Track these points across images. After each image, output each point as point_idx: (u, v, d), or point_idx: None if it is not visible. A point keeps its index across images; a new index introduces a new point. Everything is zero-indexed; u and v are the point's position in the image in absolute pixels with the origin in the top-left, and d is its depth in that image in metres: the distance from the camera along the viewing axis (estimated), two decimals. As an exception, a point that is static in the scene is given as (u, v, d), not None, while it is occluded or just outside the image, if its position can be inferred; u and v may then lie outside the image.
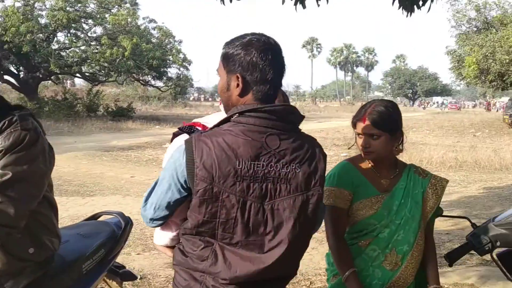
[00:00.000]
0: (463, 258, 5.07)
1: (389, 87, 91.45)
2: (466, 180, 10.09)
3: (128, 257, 4.85)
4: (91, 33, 30.10)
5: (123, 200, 7.68)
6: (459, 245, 2.28)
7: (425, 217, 2.09)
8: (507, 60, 21.82)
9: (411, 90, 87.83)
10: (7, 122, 1.81)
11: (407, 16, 5.44)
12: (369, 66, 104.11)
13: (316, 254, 5.11)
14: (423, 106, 70.96)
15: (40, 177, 1.85)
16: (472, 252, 5.12)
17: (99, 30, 30.12)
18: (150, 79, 33.79)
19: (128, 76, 30.49)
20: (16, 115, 1.83)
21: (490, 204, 7.76)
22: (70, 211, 6.77)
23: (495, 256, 2.23)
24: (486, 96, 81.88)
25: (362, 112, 2.00)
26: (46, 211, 1.91)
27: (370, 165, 2.08)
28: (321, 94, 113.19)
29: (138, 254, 5.02)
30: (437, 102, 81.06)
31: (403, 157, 8.35)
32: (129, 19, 28.06)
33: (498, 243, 2.16)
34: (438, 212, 2.26)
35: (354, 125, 2.04)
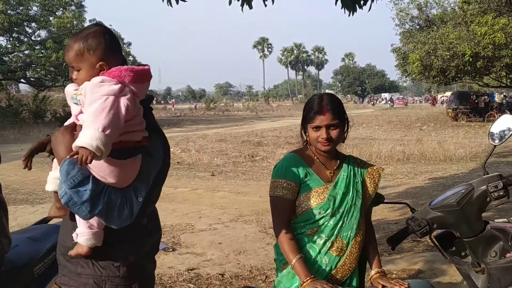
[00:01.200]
0: (410, 245, 5.33)
1: (339, 85, 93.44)
2: (413, 172, 10.51)
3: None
4: (35, 37, 29.14)
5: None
6: (400, 229, 2.42)
7: (365, 204, 2.21)
8: (448, 56, 22.82)
9: (360, 88, 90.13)
10: None
11: (349, 15, 5.64)
12: (320, 65, 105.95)
13: (271, 250, 5.19)
14: (372, 102, 72.93)
15: None
16: (419, 239, 5.38)
17: (43, 33, 29.20)
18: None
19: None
20: None
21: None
22: (19, 219, 6.56)
23: (433, 238, 2.38)
24: (431, 91, 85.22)
25: (321, 105, 2.10)
26: None
27: (315, 157, 2.18)
28: (273, 93, 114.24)
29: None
30: (385, 98, 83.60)
31: (354, 151, 8.73)
32: (75, 22, 27.30)
33: (435, 225, 2.30)
34: (379, 200, 2.39)
35: (310, 119, 2.12)
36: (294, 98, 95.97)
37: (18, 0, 27.80)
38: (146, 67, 1.65)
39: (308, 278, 1.94)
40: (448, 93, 58.59)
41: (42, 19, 28.34)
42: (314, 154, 2.19)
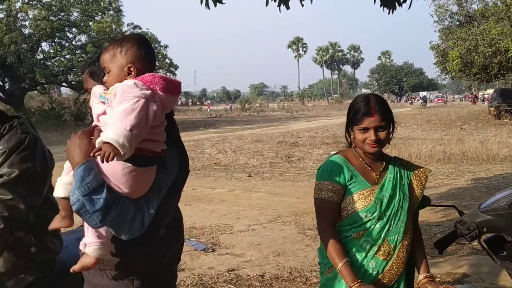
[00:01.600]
0: (454, 248, 5.18)
1: (376, 83, 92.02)
2: (454, 173, 10.23)
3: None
4: (75, 42, 30.03)
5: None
6: (449, 232, 2.36)
7: (412, 207, 2.16)
8: (490, 53, 22.13)
9: (397, 86, 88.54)
10: (7, 126, 2.06)
11: (388, 13, 5.55)
12: (355, 64, 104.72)
13: (311, 251, 5.18)
14: (410, 101, 71.49)
15: (43, 175, 2.04)
16: (464, 242, 5.24)
17: (83, 38, 30.03)
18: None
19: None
20: (15, 121, 2.04)
21: (479, 194, 7.89)
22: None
23: (482, 242, 2.31)
24: (471, 89, 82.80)
25: (369, 107, 2.07)
26: (48, 212, 1.98)
27: (360, 158, 2.15)
28: (308, 93, 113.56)
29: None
30: (424, 97, 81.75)
31: (393, 151, 8.57)
32: (113, 26, 27.99)
33: (484, 229, 2.24)
34: (426, 202, 2.34)
35: (357, 121, 2.09)
36: (329, 98, 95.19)
37: (59, 6, 28.73)
38: (177, 80, 1.67)
39: (355, 282, 1.91)
40: (490, 91, 56.74)
41: (82, 24, 29.20)
42: (359, 156, 2.16)
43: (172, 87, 1.60)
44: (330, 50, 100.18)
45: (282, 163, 12.38)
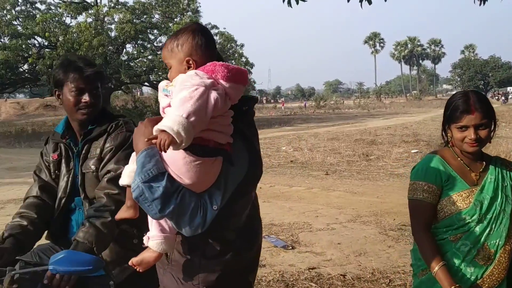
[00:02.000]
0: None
1: (459, 79, 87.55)
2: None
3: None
4: (157, 43, 31.26)
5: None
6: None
7: None
8: None
9: (482, 82, 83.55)
10: (114, 125, 2.21)
11: (480, 4, 5.26)
12: (436, 59, 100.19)
13: (393, 252, 5.05)
14: (496, 97, 67.21)
15: None
16: None
17: (164, 39, 31.21)
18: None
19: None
20: (120, 120, 2.14)
21: None
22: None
23: None
24: None
25: (468, 104, 1.98)
26: None
27: (458, 158, 2.06)
28: (385, 90, 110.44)
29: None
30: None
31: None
32: (192, 27, 28.80)
33: None
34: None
35: (455, 119, 2.00)
36: (408, 94, 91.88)
37: (142, 9, 30.11)
38: (243, 68, 1.61)
39: (454, 286, 1.84)
40: None
41: (163, 25, 30.35)
42: (457, 156, 2.06)
43: (237, 76, 1.55)
44: (409, 45, 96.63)
45: (360, 162, 12.14)
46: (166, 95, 1.58)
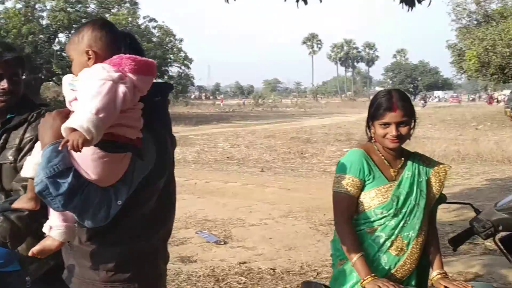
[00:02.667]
0: (466, 248, 5.16)
1: (390, 82, 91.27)
2: (468, 173, 10.15)
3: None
4: (91, 34, 30.15)
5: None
6: (463, 230, 2.36)
7: (429, 204, 2.17)
8: (508, 53, 21.85)
9: (412, 85, 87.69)
10: (35, 114, 2.09)
11: (408, 10, 5.51)
12: (370, 62, 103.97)
13: (322, 246, 5.20)
14: (423, 100, 70.88)
15: None
16: (476, 242, 5.21)
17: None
18: (152, 78, 33.87)
19: (130, 75, 30.52)
20: (43, 109, 2.05)
21: (493, 195, 7.82)
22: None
23: (497, 241, 2.30)
24: (487, 89, 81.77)
25: (391, 102, 2.07)
26: None
27: (380, 154, 2.16)
28: (322, 90, 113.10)
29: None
30: (438, 96, 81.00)
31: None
32: (129, 19, 28.14)
33: (500, 227, 2.23)
34: (442, 199, 2.34)
35: (379, 115, 2.09)
36: (343, 95, 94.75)
37: (77, -2, 28.99)
38: (150, 60, 1.60)
39: (369, 276, 1.93)
40: (506, 92, 55.97)
41: (99, 16, 29.36)
42: (379, 151, 2.16)
43: (145, 68, 1.54)
44: (345, 47, 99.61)
45: (294, 159, 12.39)
46: (72, 90, 1.53)
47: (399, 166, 2.17)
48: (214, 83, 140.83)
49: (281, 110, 48.90)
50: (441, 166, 2.24)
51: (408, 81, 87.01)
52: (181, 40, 32.05)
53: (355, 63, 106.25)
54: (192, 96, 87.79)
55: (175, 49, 31.17)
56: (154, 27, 31.60)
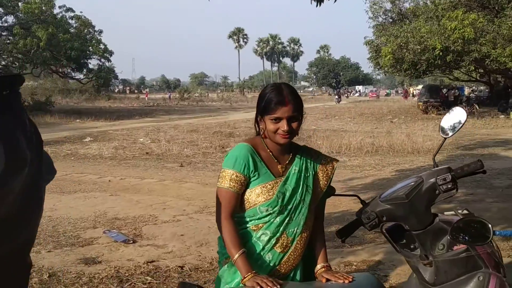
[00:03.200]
0: (372, 237, 5.35)
1: (314, 77, 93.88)
2: (380, 164, 10.61)
3: (38, 255, 4.63)
4: (1, 22, 28.20)
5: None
6: (349, 222, 2.39)
7: (315, 199, 2.17)
8: (419, 50, 23.08)
9: (334, 80, 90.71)
10: None
11: (316, 6, 5.60)
12: (295, 57, 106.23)
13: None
14: (346, 95, 73.59)
15: None
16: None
17: (10, 19, 28.29)
18: (69, 71, 32.29)
19: (45, 68, 28.89)
20: None
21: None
22: None
23: (384, 230, 2.36)
24: (404, 84, 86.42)
25: (283, 96, 2.01)
26: None
27: (268, 149, 2.11)
28: (248, 84, 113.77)
29: (48, 251, 4.81)
30: (359, 91, 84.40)
31: (324, 143, 8.69)
32: (43, 8, 26.55)
33: (384, 218, 2.28)
34: (330, 192, 2.35)
35: (270, 110, 2.02)
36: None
37: (-16, -17, 26.89)
38: None
39: (249, 273, 1.88)
40: (420, 86, 59.50)
41: (9, 4, 27.43)
42: (267, 147, 2.11)
43: None
44: (271, 42, 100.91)
45: (215, 153, 12.31)
46: None
47: (287, 161, 2.13)
48: (139, 76, 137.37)
49: (207, 104, 48.60)
50: (329, 160, 2.24)
51: (331, 76, 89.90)
52: (101, 32, 30.77)
53: (281, 58, 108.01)
54: (116, 90, 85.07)
55: (94, 41, 29.84)
56: (72, 18, 30.07)
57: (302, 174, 2.12)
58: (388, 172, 9.59)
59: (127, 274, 4.21)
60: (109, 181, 8.63)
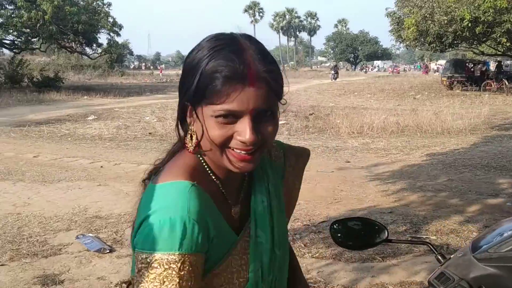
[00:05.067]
0: (408, 246, 4.28)
1: (332, 52, 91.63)
2: (408, 146, 9.46)
3: (-12, 270, 3.67)
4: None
5: (12, 187, 6.35)
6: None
7: (289, 215, 1.19)
8: (446, 21, 21.51)
9: (352, 55, 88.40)
10: None
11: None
12: (312, 31, 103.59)
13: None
14: (364, 70, 71.62)
15: None
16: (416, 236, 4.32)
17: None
18: (78, 46, 31.32)
19: (52, 42, 27.92)
20: None
21: (435, 173, 7.10)
22: None
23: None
24: (424, 59, 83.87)
25: (243, 62, 0.89)
26: None
27: (213, 178, 1.00)
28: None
29: (1, 265, 3.84)
30: (378, 66, 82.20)
31: (344, 122, 7.33)
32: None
33: (482, 290, 1.21)
34: (383, 236, 1.30)
35: (216, 95, 0.88)
36: (285, 65, 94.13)
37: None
38: None
39: None
40: (441, 61, 57.28)
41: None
42: (211, 173, 1.00)
43: None
44: (287, 16, 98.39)
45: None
46: None
47: (242, 193, 1.04)
48: (154, 52, 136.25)
49: (221, 80, 47.33)
50: (296, 155, 1.21)
51: (349, 51, 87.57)
52: (109, 5, 29.55)
53: (297, 33, 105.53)
54: (132, 66, 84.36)
55: (102, 14, 28.69)
56: (80, -10, 28.92)
57: (274, 204, 1.06)
58: (418, 156, 8.44)
59: (91, 303, 3.23)
60: (101, 167, 7.65)
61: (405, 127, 11.68)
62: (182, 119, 1.00)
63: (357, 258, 3.97)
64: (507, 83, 24.32)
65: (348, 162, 8.08)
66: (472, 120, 12.61)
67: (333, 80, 38.00)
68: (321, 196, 5.88)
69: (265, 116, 0.91)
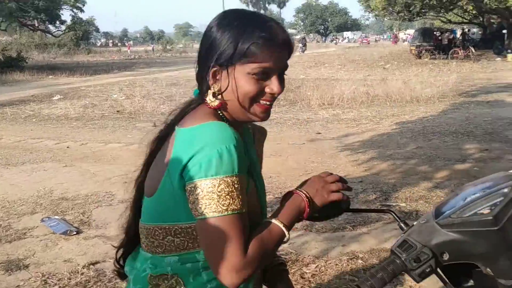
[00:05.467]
0: (379, 215, 4.31)
1: (302, 23, 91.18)
2: (378, 116, 9.51)
3: None
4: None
5: (-27, 172, 6.11)
6: (381, 264, 1.26)
7: None
8: (413, -10, 21.59)
9: (322, 26, 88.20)
10: None
11: None
12: (281, 3, 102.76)
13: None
14: (335, 41, 71.68)
15: None
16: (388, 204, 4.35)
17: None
18: (40, 23, 30.23)
19: (13, 20, 26.86)
20: None
21: (404, 141, 7.17)
22: None
23: (440, 271, 1.25)
24: (393, 29, 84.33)
25: (283, 33, 1.13)
26: None
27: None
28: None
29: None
30: (348, 37, 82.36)
31: (315, 94, 7.28)
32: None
33: (446, 256, 1.19)
34: (343, 207, 1.28)
35: (259, 55, 1.08)
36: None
37: None
38: None
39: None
40: (410, 31, 57.66)
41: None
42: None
43: None
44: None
45: (194, 110, 11.10)
46: None
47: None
48: (121, 28, 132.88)
49: (191, 55, 46.57)
50: (262, 130, 1.40)
51: (319, 23, 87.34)
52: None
53: (267, 5, 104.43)
54: (98, 44, 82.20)
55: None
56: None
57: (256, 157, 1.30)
58: (388, 125, 8.50)
59: (57, 285, 3.14)
60: (67, 147, 7.44)
61: (375, 97, 11.75)
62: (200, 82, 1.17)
63: (328, 228, 3.97)
64: (473, 51, 24.72)
65: (319, 133, 8.08)
66: (440, 88, 12.78)
67: (301, 53, 37.84)
68: (292, 168, 5.86)
69: (283, 74, 1.16)
